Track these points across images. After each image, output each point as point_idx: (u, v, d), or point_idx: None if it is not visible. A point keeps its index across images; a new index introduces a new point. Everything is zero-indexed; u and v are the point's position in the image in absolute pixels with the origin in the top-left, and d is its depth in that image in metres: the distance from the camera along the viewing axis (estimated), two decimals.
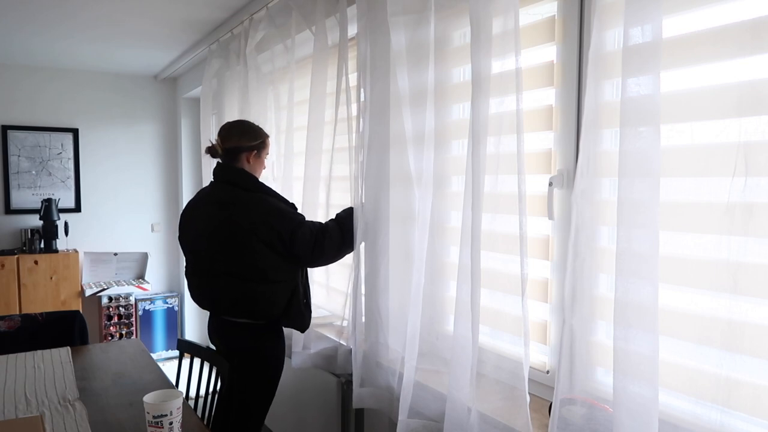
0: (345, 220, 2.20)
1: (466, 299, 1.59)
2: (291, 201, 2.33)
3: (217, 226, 2.16)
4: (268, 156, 2.35)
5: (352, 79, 2.21)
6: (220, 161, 2.28)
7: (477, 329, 1.57)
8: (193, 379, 3.42)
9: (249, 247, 2.11)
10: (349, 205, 2.26)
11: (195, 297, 2.31)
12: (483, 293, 1.58)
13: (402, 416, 1.83)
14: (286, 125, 2.74)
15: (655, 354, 1.15)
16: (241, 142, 2.22)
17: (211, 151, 2.26)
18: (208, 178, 3.73)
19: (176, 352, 4.92)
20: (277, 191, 2.38)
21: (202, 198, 2.32)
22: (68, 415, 1.75)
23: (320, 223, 2.23)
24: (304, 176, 2.49)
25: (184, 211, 2.37)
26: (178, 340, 2.45)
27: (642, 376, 1.17)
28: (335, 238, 2.17)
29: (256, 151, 2.25)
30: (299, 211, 2.33)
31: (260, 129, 2.31)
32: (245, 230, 2.10)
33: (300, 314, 2.24)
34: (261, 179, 2.30)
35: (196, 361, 3.74)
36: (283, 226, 2.12)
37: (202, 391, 3.58)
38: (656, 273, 1.15)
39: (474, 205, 1.56)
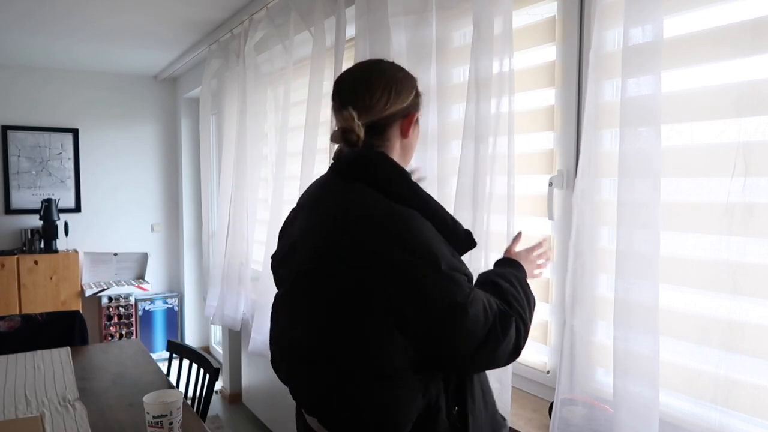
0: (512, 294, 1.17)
1: None
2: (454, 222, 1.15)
3: (315, 270, 1.13)
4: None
5: None
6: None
7: None
8: (191, 380, 3.42)
9: (366, 310, 1.06)
10: None
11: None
12: None
13: None
14: (281, 125, 2.75)
15: (655, 354, 1.15)
16: (394, 105, 1.15)
17: (346, 137, 1.13)
18: (208, 178, 3.69)
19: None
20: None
21: (306, 204, 1.26)
22: (68, 415, 1.75)
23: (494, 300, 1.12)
24: (300, 175, 2.49)
25: (285, 221, 1.33)
26: (168, 341, 2.45)
27: (642, 377, 1.17)
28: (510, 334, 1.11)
29: (413, 114, 1.19)
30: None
31: (407, 72, 1.21)
32: (365, 285, 1.05)
33: None
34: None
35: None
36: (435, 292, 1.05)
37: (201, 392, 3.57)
38: (657, 273, 1.15)
39: (474, 205, 1.56)
